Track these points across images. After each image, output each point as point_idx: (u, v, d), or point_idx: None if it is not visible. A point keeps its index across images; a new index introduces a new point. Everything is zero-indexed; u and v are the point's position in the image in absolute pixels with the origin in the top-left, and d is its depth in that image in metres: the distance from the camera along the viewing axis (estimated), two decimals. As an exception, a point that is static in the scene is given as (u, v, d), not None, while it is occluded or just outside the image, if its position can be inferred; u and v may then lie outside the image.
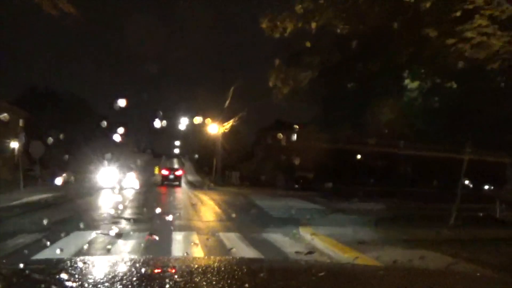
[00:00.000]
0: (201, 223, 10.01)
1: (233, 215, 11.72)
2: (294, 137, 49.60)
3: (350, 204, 17.25)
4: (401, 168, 35.26)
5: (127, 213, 11.09)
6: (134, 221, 9.76)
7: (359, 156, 39.95)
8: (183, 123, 38.16)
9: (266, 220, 10.99)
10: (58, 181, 26.80)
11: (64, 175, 33.03)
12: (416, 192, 27.32)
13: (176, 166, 41.02)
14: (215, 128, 32.59)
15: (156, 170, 46.65)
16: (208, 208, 14.14)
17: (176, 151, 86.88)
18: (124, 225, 9.13)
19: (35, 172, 25.80)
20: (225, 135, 32.64)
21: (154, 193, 21.67)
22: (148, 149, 79.29)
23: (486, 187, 33.56)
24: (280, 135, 37.90)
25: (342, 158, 38.04)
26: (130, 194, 19.25)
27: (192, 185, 32.36)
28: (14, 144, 38.40)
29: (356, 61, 8.70)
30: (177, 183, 28.50)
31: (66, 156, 30.28)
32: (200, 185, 30.26)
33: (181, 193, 22.72)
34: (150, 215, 10.99)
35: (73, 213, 10.28)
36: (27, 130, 43.43)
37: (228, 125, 29.32)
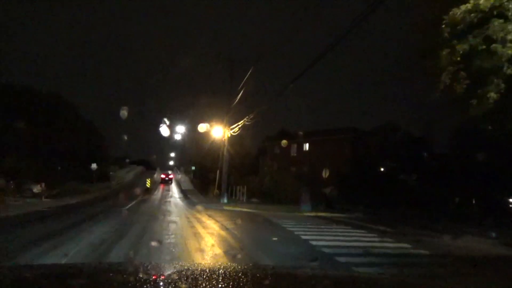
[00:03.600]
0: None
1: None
2: (307, 146, 43.79)
3: (435, 237, 11.19)
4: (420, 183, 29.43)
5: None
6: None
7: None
8: (179, 131, 32.31)
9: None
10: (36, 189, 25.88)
11: (39, 186, 28.13)
12: (459, 213, 21.73)
13: (169, 172, 56.97)
14: (219, 132, 26.41)
15: (148, 183, 40.92)
16: (225, 247, 7.92)
17: (171, 163, 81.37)
18: None
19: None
20: (230, 142, 26.42)
21: (138, 216, 15.31)
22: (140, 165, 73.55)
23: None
24: (285, 142, 32.42)
25: (365, 169, 32.39)
26: (104, 219, 12.96)
27: (190, 202, 25.95)
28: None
29: None
30: (170, 182, 49.99)
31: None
32: (201, 203, 23.89)
33: (178, 215, 16.37)
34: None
35: None
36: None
37: (237, 127, 23.11)
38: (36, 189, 29.17)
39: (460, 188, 25.19)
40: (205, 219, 14.58)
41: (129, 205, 20.55)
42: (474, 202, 25.58)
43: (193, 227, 11.82)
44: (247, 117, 20.66)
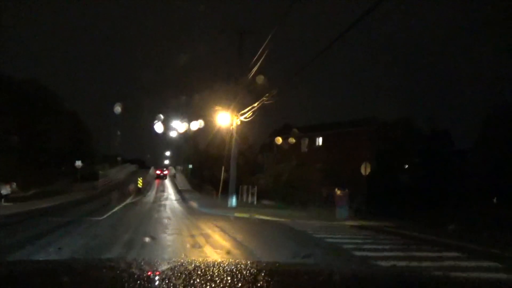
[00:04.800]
0: None
1: None
2: (320, 141, 39.05)
3: None
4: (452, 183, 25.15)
5: None
6: None
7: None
8: (175, 127, 27.65)
9: None
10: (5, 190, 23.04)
11: (8, 186, 24.48)
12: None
13: (164, 169, 57.16)
14: (226, 120, 21.48)
15: (140, 183, 36.19)
16: None
17: (167, 162, 76.62)
18: None
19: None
20: (238, 132, 21.47)
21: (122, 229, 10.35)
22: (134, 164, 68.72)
23: None
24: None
25: (389, 166, 27.73)
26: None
27: (190, 207, 21.02)
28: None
29: None
30: (165, 178, 50.88)
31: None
32: (204, 208, 18.95)
33: (177, 230, 11.40)
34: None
35: None
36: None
37: (250, 111, 18.15)
38: (5, 190, 24.43)
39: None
40: (218, 237, 9.58)
41: (112, 211, 15.59)
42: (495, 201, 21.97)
43: (198, 247, 6.86)
44: (266, 95, 15.70)
